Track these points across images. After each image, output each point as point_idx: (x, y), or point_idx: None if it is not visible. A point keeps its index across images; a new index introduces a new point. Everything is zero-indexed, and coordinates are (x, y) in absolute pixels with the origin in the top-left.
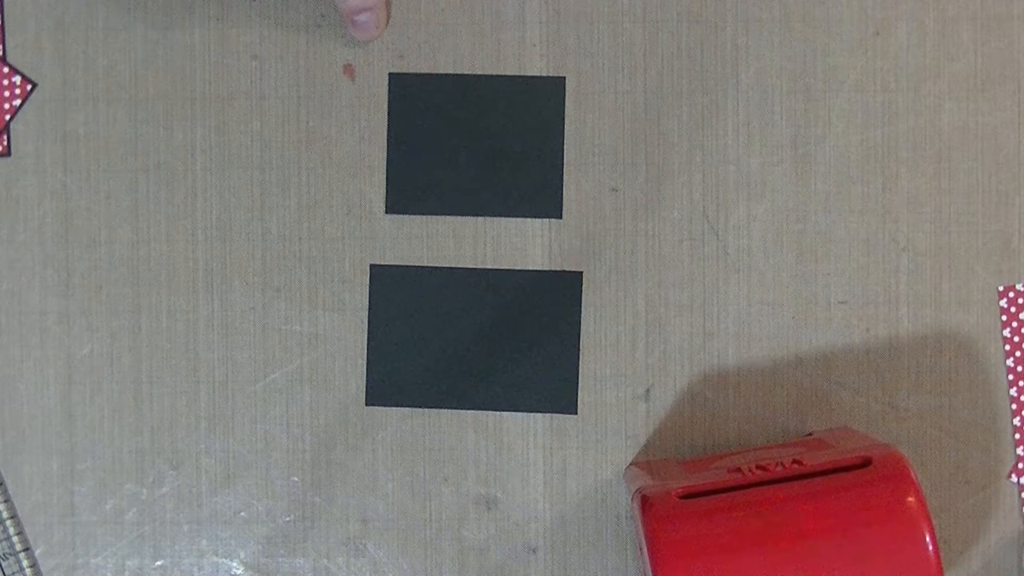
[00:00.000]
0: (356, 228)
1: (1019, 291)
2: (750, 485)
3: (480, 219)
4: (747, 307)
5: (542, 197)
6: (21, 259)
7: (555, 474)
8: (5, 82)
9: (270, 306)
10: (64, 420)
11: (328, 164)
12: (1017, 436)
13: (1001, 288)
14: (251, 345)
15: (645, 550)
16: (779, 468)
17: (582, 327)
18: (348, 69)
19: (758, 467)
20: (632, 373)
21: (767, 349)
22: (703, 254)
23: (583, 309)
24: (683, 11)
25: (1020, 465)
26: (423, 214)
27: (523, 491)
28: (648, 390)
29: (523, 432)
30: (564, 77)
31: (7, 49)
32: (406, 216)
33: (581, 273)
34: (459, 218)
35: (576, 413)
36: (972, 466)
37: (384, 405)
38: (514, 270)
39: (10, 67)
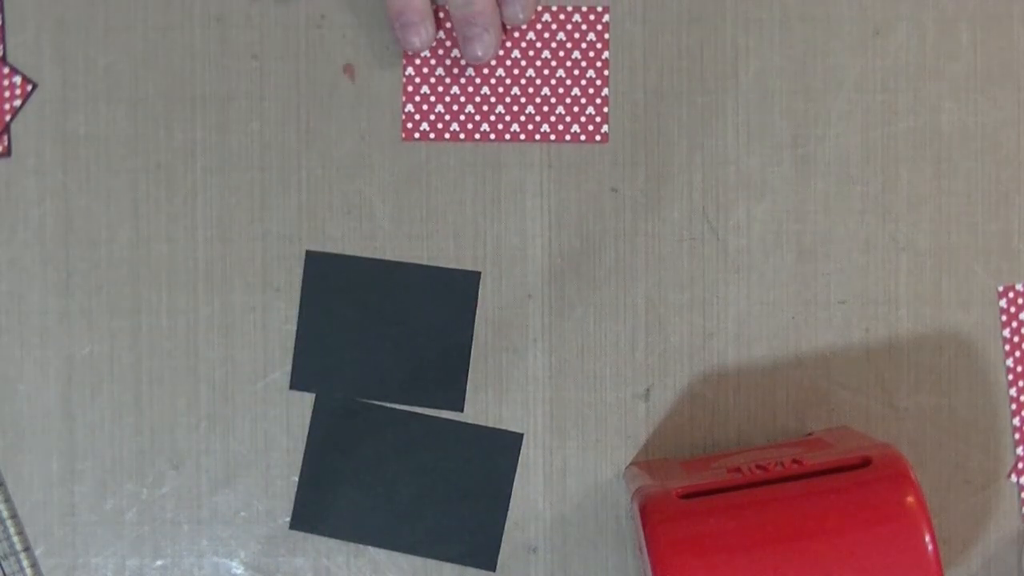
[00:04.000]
0: (356, 227)
1: (1019, 291)
2: (750, 485)
3: (480, 219)
4: (747, 307)
5: (446, 389)
6: (21, 259)
7: (555, 474)
8: (5, 82)
9: (270, 306)
10: (64, 420)
11: (328, 164)
12: (1017, 436)
13: (1001, 288)
14: (251, 345)
15: (645, 550)
16: (779, 468)
17: (582, 329)
18: (348, 69)
19: (758, 467)
20: (632, 373)
21: (767, 349)
22: (703, 254)
23: (583, 308)
24: (683, 11)
25: (1020, 465)
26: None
27: (523, 491)
28: (648, 390)
29: (523, 431)
30: (479, 272)
31: (7, 49)
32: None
33: (522, 435)
34: (459, 218)
35: (495, 571)
36: (972, 466)
37: (310, 532)
38: (455, 421)
39: (10, 67)
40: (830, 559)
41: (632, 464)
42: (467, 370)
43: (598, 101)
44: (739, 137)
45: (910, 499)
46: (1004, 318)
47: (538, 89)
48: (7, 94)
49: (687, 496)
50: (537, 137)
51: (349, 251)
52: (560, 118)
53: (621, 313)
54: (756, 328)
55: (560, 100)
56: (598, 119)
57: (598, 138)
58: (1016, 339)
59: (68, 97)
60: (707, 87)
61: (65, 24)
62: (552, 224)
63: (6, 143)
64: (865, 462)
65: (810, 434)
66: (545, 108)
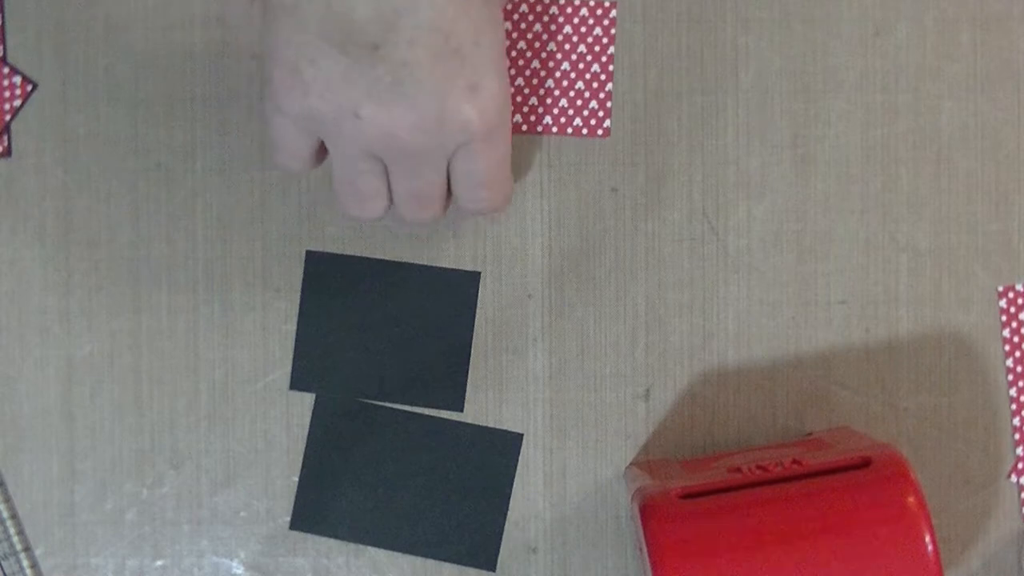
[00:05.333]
0: (356, 228)
1: (1019, 291)
2: (750, 485)
3: (480, 219)
4: (747, 307)
5: (446, 389)
6: (21, 259)
7: (555, 474)
8: (5, 82)
9: (270, 306)
10: (64, 420)
11: (328, 164)
12: (1017, 436)
13: (1001, 288)
14: (251, 345)
15: (644, 550)
16: (779, 468)
17: (582, 329)
18: None
19: (758, 467)
20: (632, 373)
21: (767, 349)
22: (703, 254)
23: (583, 308)
24: (683, 11)
25: (1020, 465)
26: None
27: (523, 491)
28: (648, 390)
29: (523, 431)
30: (479, 272)
31: (7, 49)
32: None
33: (521, 435)
34: (459, 218)
35: (495, 571)
36: (972, 466)
37: (310, 532)
38: (455, 421)
39: (10, 67)
40: (830, 559)
41: (632, 464)
42: (467, 370)
43: (601, 96)
44: (739, 137)
45: (910, 499)
46: (1004, 318)
47: (542, 81)
48: (7, 94)
49: (687, 496)
50: (539, 129)
51: (349, 251)
52: (563, 111)
53: (621, 313)
54: (756, 328)
55: (564, 93)
56: (600, 113)
57: (600, 132)
58: (1016, 339)
59: (68, 97)
60: (707, 87)
61: (65, 24)
62: (552, 224)
63: (6, 143)
64: (865, 462)
65: (810, 434)
66: (548, 100)
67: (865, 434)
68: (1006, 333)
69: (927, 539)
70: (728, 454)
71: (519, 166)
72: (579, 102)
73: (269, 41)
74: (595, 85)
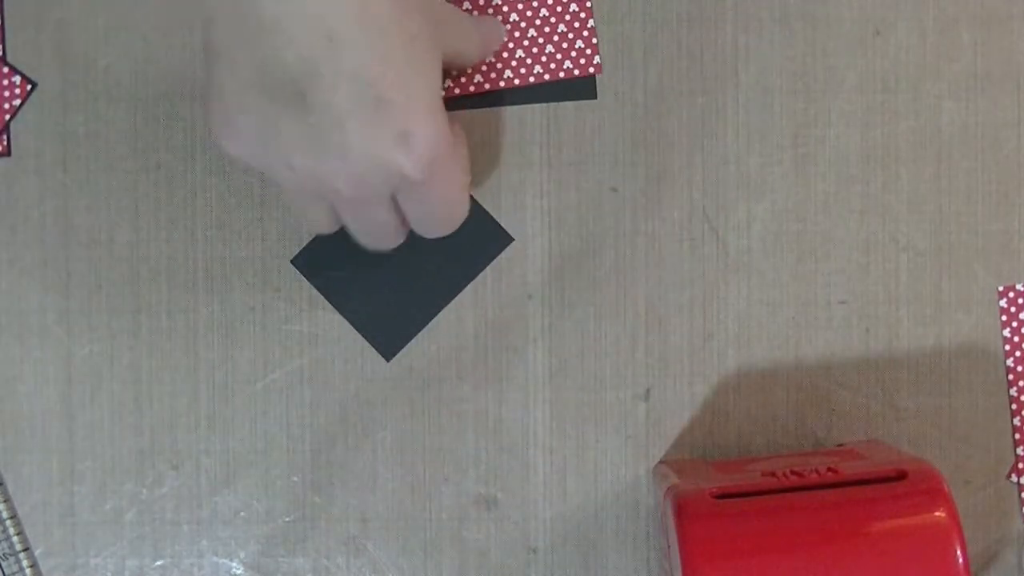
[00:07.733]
0: None
1: (1019, 291)
2: (785, 489)
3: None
4: (747, 307)
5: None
6: (21, 259)
7: (555, 474)
8: (5, 82)
9: (270, 306)
10: (64, 420)
11: None
12: (1017, 436)
13: (1001, 288)
14: (251, 345)
15: (675, 547)
16: (814, 475)
17: (582, 329)
18: None
19: (793, 472)
20: (632, 373)
21: (767, 349)
22: (703, 254)
23: (583, 308)
24: (683, 11)
25: (1020, 465)
26: None
27: (523, 491)
28: (648, 390)
29: (523, 432)
30: (513, 240)
31: (7, 49)
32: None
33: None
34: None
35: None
36: (972, 466)
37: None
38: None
39: (10, 67)
40: (862, 568)
41: (661, 462)
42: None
43: (585, 33)
44: (739, 137)
45: (945, 515)
46: (1004, 318)
47: (524, 32)
48: (7, 94)
49: (722, 496)
50: (531, 80)
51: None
52: (551, 56)
53: (621, 313)
54: (756, 328)
55: (548, 39)
56: (588, 51)
57: (591, 70)
58: (1016, 339)
59: (68, 97)
60: (707, 87)
61: (65, 24)
62: (552, 224)
63: (6, 143)
64: (901, 475)
65: (842, 445)
66: (534, 50)
67: (895, 447)
68: (1006, 333)
69: (958, 554)
70: (759, 459)
71: (518, 163)
72: (564, 44)
73: (208, 86)
74: (576, 24)
